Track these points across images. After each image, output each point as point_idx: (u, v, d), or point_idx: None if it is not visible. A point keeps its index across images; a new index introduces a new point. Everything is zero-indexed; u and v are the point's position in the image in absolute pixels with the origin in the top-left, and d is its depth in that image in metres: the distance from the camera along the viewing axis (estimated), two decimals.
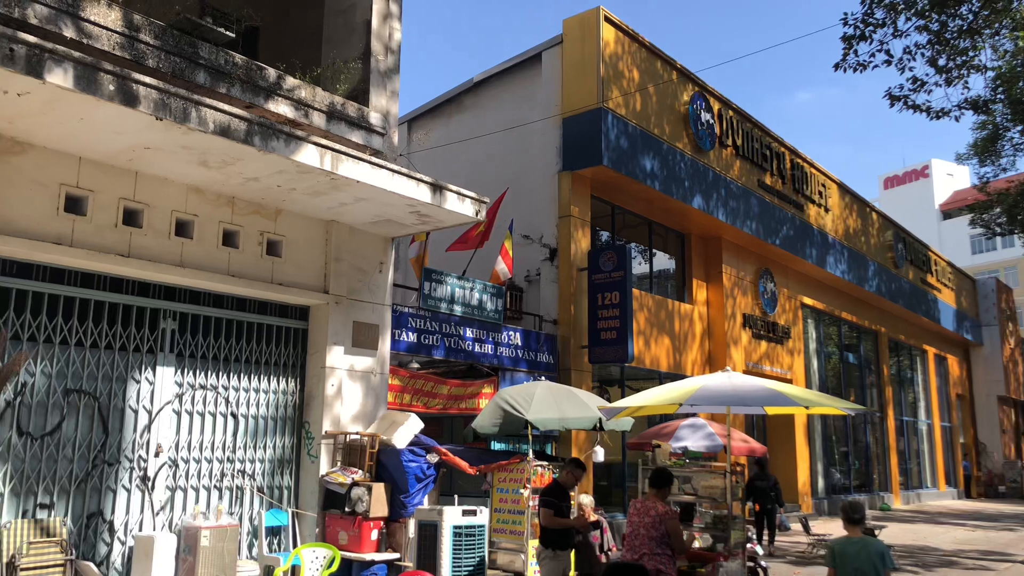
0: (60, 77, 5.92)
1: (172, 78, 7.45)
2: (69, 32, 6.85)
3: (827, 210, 23.30)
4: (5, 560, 6.57)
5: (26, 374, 7.13)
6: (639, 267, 17.25)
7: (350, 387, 9.50)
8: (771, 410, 8.98)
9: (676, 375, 16.79)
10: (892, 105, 15.80)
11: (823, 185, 23.27)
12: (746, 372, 18.28)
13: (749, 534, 10.17)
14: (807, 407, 7.83)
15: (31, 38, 5.82)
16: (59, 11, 6.82)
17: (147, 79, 6.47)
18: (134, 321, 7.97)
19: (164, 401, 8.11)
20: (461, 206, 9.30)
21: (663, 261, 18.50)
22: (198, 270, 8.18)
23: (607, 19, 15.35)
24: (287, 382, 9.30)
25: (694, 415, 13.02)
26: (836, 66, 14.92)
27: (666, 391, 8.15)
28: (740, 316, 19.20)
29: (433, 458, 9.35)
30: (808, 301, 22.99)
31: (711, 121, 18.02)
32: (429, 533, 8.63)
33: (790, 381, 20.31)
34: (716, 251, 18.97)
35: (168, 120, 6.57)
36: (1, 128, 6.70)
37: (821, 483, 22.52)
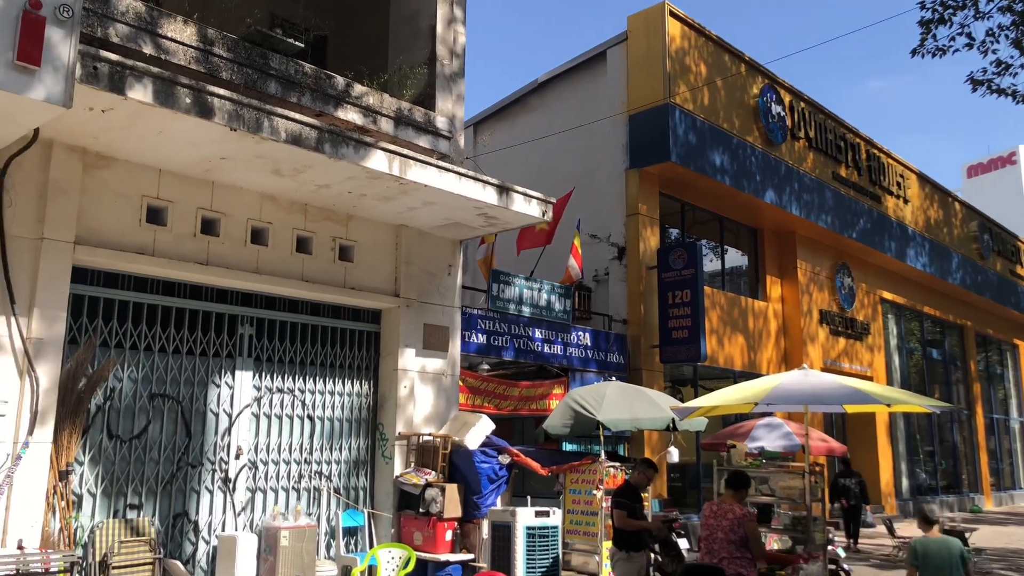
0: (140, 92, 6.14)
1: (245, 89, 7.65)
2: (148, 49, 7.10)
3: (906, 201, 22.50)
4: (98, 558, 6.85)
5: (114, 379, 7.42)
6: (710, 264, 16.95)
7: (422, 389, 9.59)
8: (851, 408, 8.70)
9: (751, 374, 16.44)
10: (975, 90, 15.11)
11: (901, 176, 22.48)
12: (824, 370, 17.78)
13: (830, 536, 9.87)
14: (889, 405, 7.55)
15: (113, 56, 6.05)
16: (138, 29, 7.07)
17: (221, 91, 6.67)
18: (213, 327, 8.22)
19: (243, 404, 8.34)
20: (527, 207, 9.29)
21: (735, 257, 18.14)
22: (273, 276, 8.38)
23: (672, 14, 15.14)
24: (361, 384, 9.45)
25: (770, 414, 12.72)
26: (913, 52, 14.40)
27: (741, 390, 7.98)
28: (816, 312, 18.69)
29: (505, 459, 9.36)
30: (888, 296, 22.23)
31: (782, 113, 17.59)
32: (503, 534, 8.64)
33: (870, 378, 19.67)
34: (790, 246, 18.50)
35: (242, 130, 6.75)
36: (87, 144, 6.99)
37: (905, 484, 21.74)
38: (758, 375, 16.56)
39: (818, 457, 13.65)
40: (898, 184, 22.16)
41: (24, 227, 6.64)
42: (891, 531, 14.45)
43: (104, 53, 6.02)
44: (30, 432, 6.44)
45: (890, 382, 21.48)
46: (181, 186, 7.77)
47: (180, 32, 7.37)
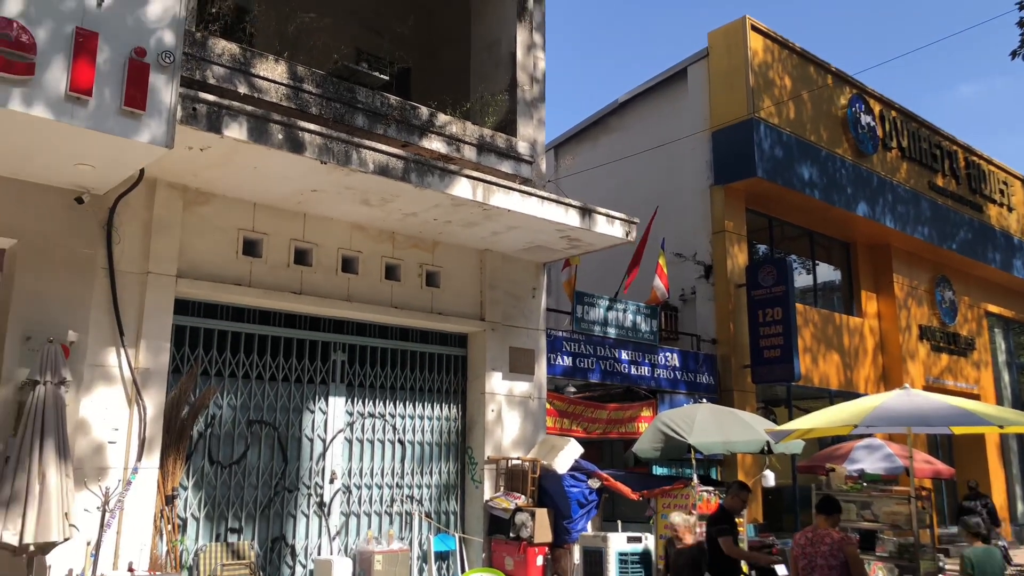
0: (236, 131, 6.41)
1: (333, 123, 7.89)
2: (242, 88, 7.41)
3: (1011, 209, 21.40)
4: None
5: (214, 407, 7.70)
6: (801, 279, 16.47)
7: (509, 412, 9.61)
8: (958, 429, 8.28)
9: (848, 393, 15.85)
10: None
11: (1004, 183, 21.41)
12: (926, 388, 17.01)
13: (940, 563, 9.37)
14: (1001, 426, 7.15)
15: (210, 97, 6.34)
16: (233, 69, 7.39)
17: (311, 126, 6.90)
18: (307, 354, 8.44)
19: (336, 429, 8.52)
20: (611, 228, 9.25)
21: (827, 272, 17.58)
22: (364, 303, 8.57)
23: (754, 28, 14.89)
24: (449, 408, 9.53)
25: (870, 435, 12.22)
26: (1013, 54, 13.73)
27: (838, 411, 7.69)
28: (916, 328, 17.90)
29: (595, 483, 9.27)
30: (994, 309, 21.12)
31: (872, 123, 17.04)
32: (594, 559, 8.54)
33: (977, 397, 18.68)
34: (885, 260, 17.81)
35: (331, 163, 6.96)
36: (187, 181, 7.33)
37: (1021, 508, 20.49)
38: (855, 394, 15.96)
39: (923, 480, 13.02)
40: (1001, 192, 21.12)
41: (131, 263, 6.99)
42: (1007, 560, 13.62)
43: (202, 95, 6.31)
44: (139, 458, 6.73)
45: (1000, 401, 20.35)
46: (275, 218, 8.05)
47: (272, 71, 7.67)
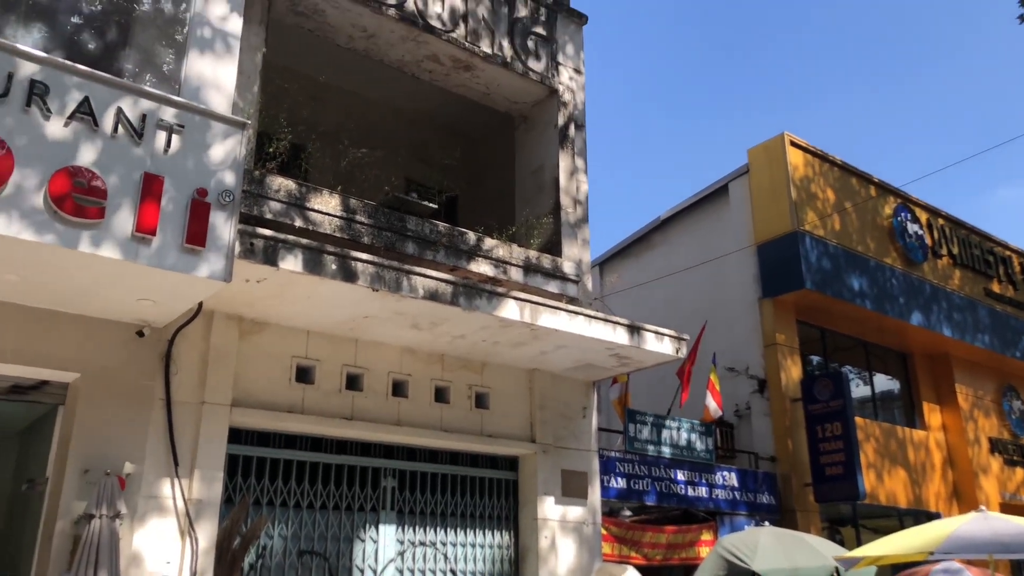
0: (291, 263, 6.62)
1: (385, 251, 8.11)
2: (298, 221, 7.71)
3: None
4: None
5: (265, 537, 7.61)
6: (857, 390, 16.01)
7: (563, 539, 9.31)
8: None
9: (917, 511, 15.09)
10: None
11: None
12: (1002, 505, 16.15)
13: None
14: None
15: (267, 232, 6.60)
16: (289, 204, 7.72)
17: (363, 255, 7.10)
18: (358, 481, 8.37)
19: (387, 559, 8.33)
20: (660, 345, 9.18)
21: (883, 382, 17.08)
22: (414, 427, 8.54)
23: (793, 143, 15.15)
24: (501, 535, 9.28)
25: (947, 557, 11.51)
26: None
27: (911, 536, 7.30)
28: (985, 441, 17.13)
29: None
30: None
31: (919, 232, 16.93)
32: None
33: None
34: (945, 369, 17.28)
35: (383, 291, 7.11)
36: (243, 312, 7.53)
37: None
38: (925, 512, 15.19)
39: None
40: None
41: (187, 393, 7.12)
42: None
43: (259, 229, 6.57)
44: None
45: None
46: (327, 345, 8.17)
47: (326, 204, 7.98)
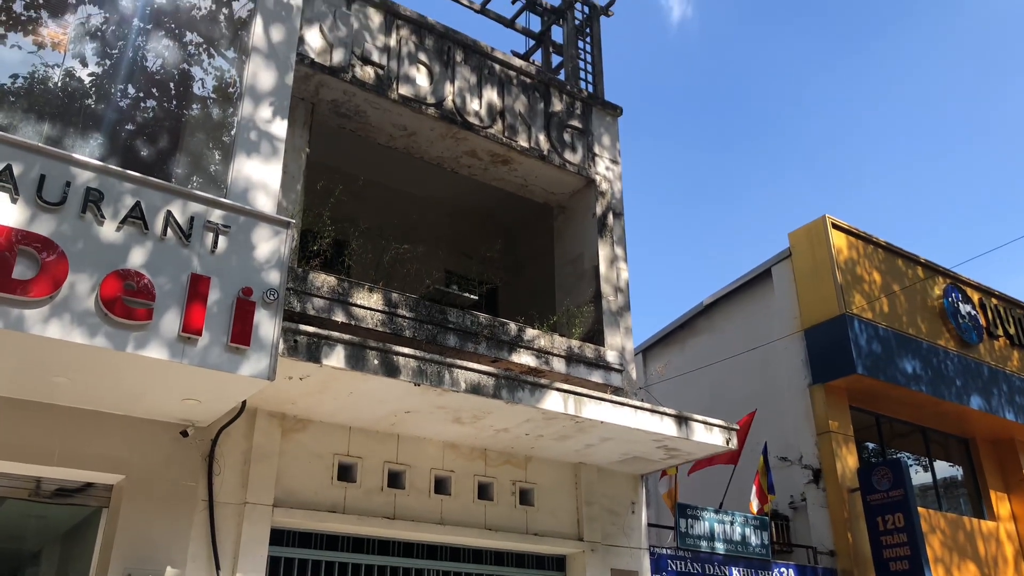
0: (334, 359, 6.61)
1: (426, 344, 8.08)
2: (340, 317, 7.74)
3: None
4: None
5: None
6: (917, 476, 15.31)
7: None
8: None
9: None
10: None
11: None
12: None
13: None
14: None
15: (310, 328, 6.62)
16: (332, 300, 7.78)
17: (405, 350, 7.07)
18: None
19: None
20: (709, 436, 8.91)
21: (944, 469, 16.33)
22: (456, 526, 8.31)
23: (835, 226, 15.00)
24: None
25: None
26: None
27: None
28: None
29: None
30: None
31: (972, 312, 16.47)
32: None
33: None
34: (1012, 455, 16.49)
35: (425, 385, 7.04)
36: (285, 409, 7.50)
37: None
38: None
39: None
40: None
41: (229, 493, 7.03)
42: None
43: (302, 326, 6.59)
44: None
45: None
46: (369, 441, 8.07)
47: (368, 299, 8.02)
